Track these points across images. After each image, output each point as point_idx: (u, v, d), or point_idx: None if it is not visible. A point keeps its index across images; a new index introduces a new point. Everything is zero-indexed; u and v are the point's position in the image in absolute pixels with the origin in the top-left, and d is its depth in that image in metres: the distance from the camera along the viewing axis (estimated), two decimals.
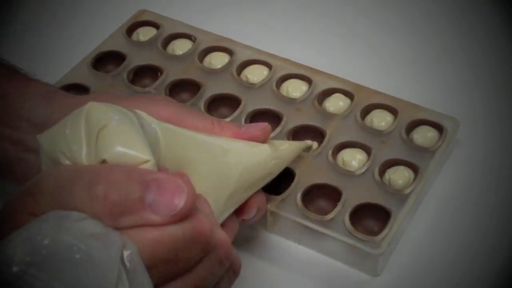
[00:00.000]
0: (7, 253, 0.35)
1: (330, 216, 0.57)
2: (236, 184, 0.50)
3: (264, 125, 0.54)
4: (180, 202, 0.39)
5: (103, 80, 0.68)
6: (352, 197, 0.58)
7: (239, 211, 0.52)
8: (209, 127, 0.52)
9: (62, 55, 0.75)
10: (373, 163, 0.61)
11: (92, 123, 0.41)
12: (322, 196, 0.59)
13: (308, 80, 0.67)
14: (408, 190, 0.59)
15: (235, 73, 0.69)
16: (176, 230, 0.39)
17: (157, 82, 0.68)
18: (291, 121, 0.64)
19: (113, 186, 0.38)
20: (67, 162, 0.41)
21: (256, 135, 0.53)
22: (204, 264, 0.42)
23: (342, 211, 0.57)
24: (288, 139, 0.63)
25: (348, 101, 0.66)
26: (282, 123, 0.64)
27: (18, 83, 0.56)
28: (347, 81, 0.67)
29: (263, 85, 0.68)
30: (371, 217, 0.58)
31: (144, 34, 0.73)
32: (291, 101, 0.66)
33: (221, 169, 0.49)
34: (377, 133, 0.63)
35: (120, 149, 0.40)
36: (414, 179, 0.60)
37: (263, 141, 0.54)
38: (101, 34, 0.73)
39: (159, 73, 0.69)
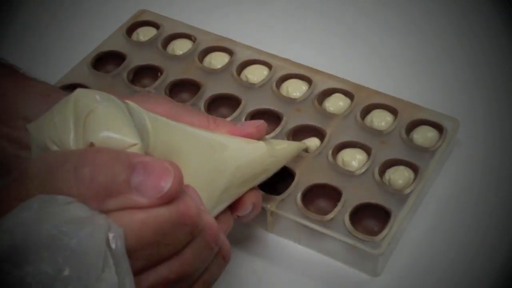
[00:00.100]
0: None
1: (330, 216, 0.57)
2: (231, 178, 0.50)
3: (259, 123, 0.54)
4: (166, 184, 0.39)
5: (103, 80, 0.68)
6: (352, 197, 0.58)
7: (234, 207, 0.52)
8: (205, 124, 0.52)
9: (62, 55, 0.75)
10: (373, 163, 0.61)
11: (80, 109, 0.41)
12: (322, 196, 0.59)
13: (308, 80, 0.67)
14: (408, 190, 0.59)
15: (235, 73, 0.68)
16: (162, 212, 0.39)
17: (157, 82, 0.68)
18: (291, 121, 0.64)
19: (99, 168, 0.38)
20: (55, 148, 0.41)
21: (251, 132, 0.53)
22: (191, 247, 0.42)
23: (342, 211, 0.57)
24: (288, 139, 0.63)
25: (348, 101, 0.66)
26: (282, 123, 0.64)
27: (17, 82, 0.56)
28: (347, 81, 0.67)
29: (263, 85, 0.68)
30: (371, 217, 0.58)
31: (144, 34, 0.73)
32: (291, 101, 0.66)
33: (215, 162, 0.49)
34: (377, 133, 0.63)
35: (106, 133, 0.41)
36: (414, 179, 0.60)
37: (258, 138, 0.54)
38: (101, 34, 0.73)
39: (159, 73, 0.69)
